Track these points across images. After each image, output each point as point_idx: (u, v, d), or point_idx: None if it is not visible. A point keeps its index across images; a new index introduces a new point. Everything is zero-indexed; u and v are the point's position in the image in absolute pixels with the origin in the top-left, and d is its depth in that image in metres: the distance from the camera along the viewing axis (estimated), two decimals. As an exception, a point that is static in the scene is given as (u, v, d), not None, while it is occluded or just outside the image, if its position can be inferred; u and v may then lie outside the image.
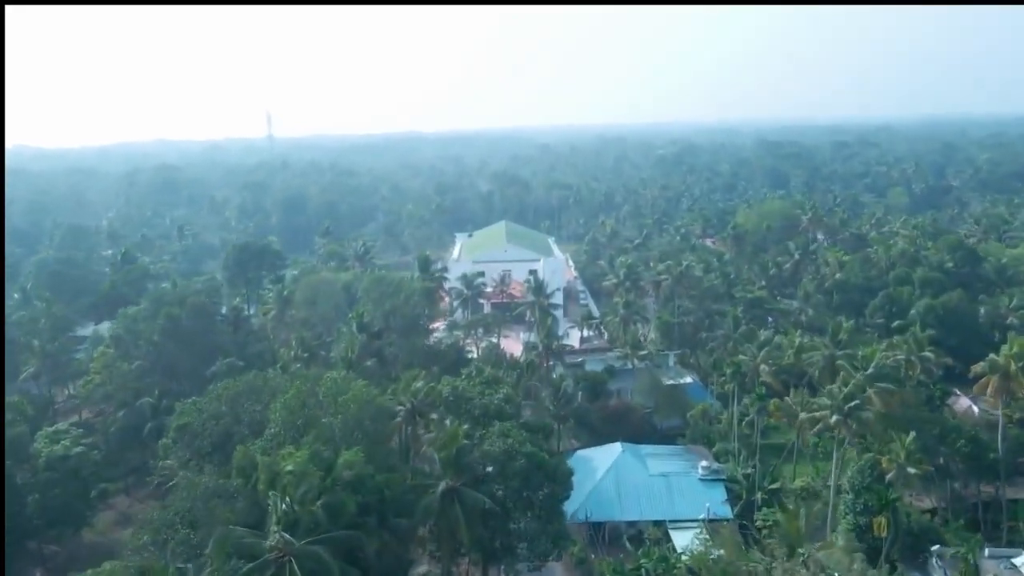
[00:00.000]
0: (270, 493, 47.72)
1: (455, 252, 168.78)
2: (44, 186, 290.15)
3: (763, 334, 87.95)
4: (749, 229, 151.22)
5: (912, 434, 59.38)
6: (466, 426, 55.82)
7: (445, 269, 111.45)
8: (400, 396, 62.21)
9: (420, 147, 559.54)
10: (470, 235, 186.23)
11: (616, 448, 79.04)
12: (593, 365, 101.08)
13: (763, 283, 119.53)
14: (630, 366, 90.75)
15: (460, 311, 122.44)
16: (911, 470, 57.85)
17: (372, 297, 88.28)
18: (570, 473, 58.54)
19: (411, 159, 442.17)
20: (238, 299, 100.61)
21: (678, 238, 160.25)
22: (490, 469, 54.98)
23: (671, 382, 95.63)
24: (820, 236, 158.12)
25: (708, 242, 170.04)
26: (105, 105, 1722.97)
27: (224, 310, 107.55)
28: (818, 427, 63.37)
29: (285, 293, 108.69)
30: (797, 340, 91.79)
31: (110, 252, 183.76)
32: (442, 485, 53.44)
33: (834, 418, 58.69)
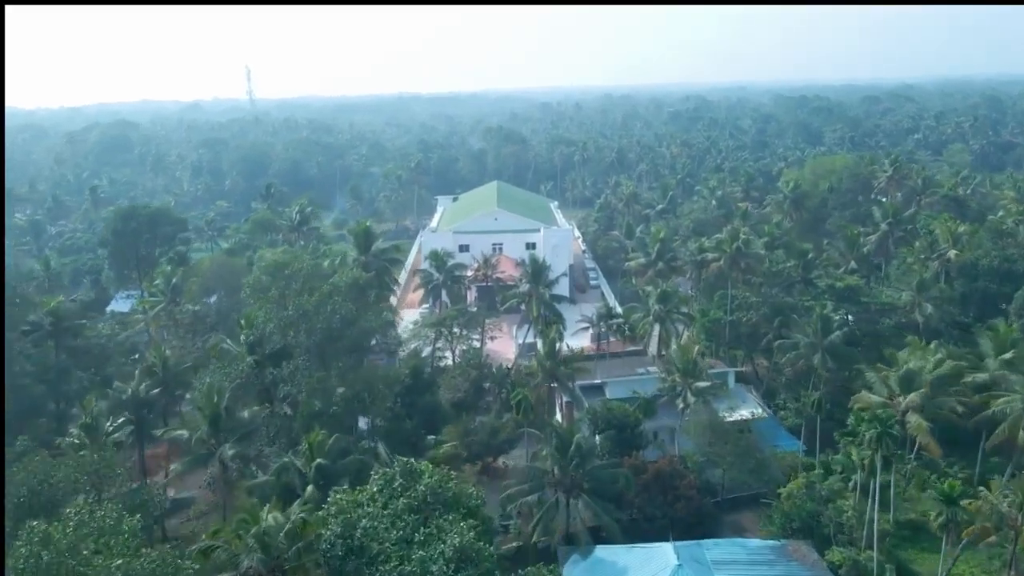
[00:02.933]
0: None
1: (434, 220, 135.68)
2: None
3: (905, 358, 54.93)
4: (807, 191, 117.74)
5: None
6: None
7: (395, 248, 77.94)
8: (242, 539, 29.49)
9: (413, 107, 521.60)
10: (455, 199, 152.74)
11: (667, 556, 46.86)
12: (617, 390, 68.72)
13: (852, 265, 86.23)
14: (682, 405, 57.86)
15: (430, 302, 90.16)
16: None
17: (271, 295, 55.13)
18: None
19: (401, 118, 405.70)
20: (74, 295, 68.06)
21: (713, 202, 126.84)
22: None
23: (735, 417, 63.08)
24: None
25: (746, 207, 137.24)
26: (91, 66, 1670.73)
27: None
28: None
29: (175, 281, 75.97)
30: (932, 358, 59.23)
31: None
32: None
33: None
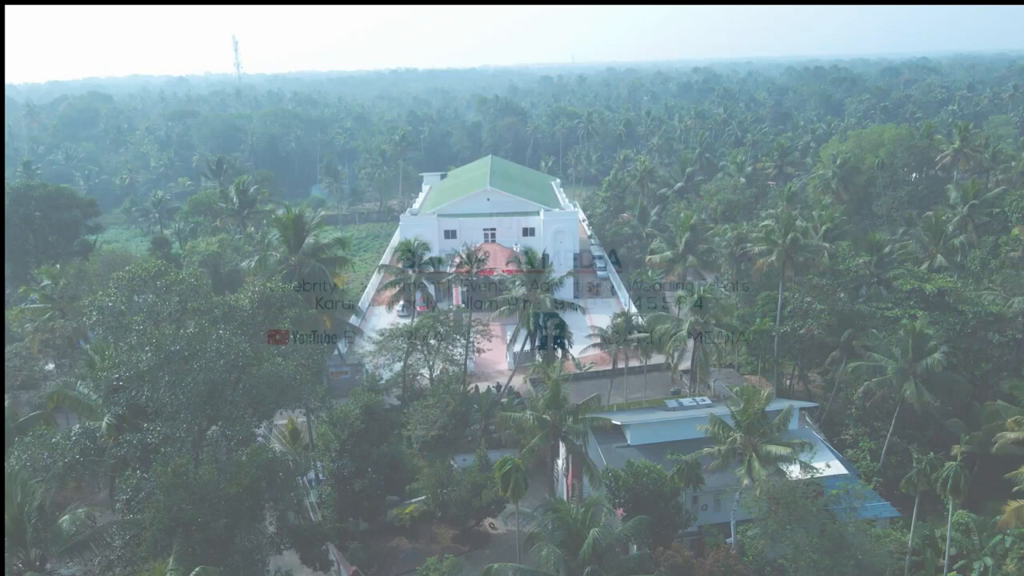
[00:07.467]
0: None
1: (417, 201, 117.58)
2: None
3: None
4: (856, 167, 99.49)
5: None
6: None
7: (338, 244, 59.52)
8: None
9: (409, 81, 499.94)
10: (443, 176, 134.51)
11: None
12: (642, 433, 51.10)
13: (940, 260, 68.19)
14: (747, 481, 39.81)
15: (400, 305, 72.49)
16: None
17: (134, 322, 36.32)
18: None
19: (394, 92, 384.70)
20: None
21: (743, 180, 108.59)
22: None
23: (808, 473, 44.98)
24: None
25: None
26: (84, 41, 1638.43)
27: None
28: None
29: (62, 283, 58.20)
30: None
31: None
32: None
33: None
